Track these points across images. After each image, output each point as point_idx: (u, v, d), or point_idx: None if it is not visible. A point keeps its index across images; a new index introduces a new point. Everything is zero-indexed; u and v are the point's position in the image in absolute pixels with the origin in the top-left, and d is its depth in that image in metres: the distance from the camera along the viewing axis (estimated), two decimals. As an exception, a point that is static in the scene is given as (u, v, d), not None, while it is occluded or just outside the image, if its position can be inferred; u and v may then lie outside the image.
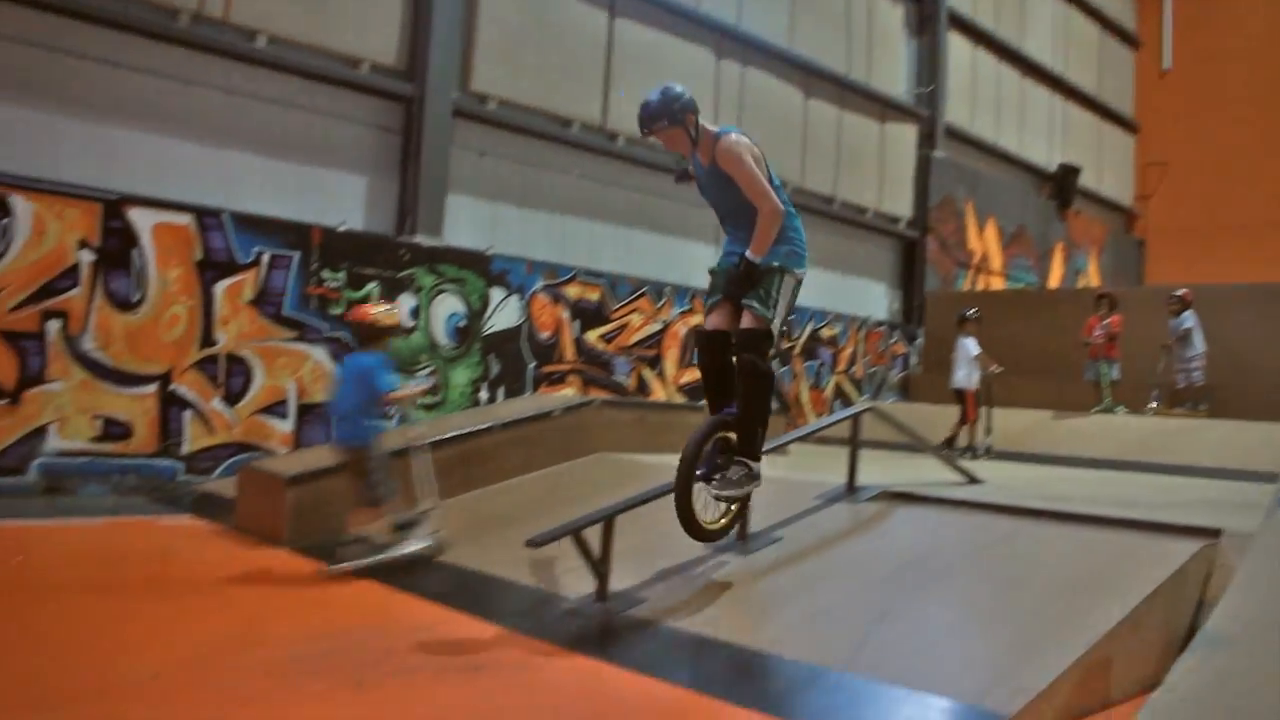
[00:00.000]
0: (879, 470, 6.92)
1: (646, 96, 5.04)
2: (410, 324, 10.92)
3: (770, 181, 5.01)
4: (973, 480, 7.30)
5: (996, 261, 21.15)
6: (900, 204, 18.40)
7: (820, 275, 16.38)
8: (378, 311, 6.63)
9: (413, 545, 6.31)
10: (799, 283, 5.11)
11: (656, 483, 5.44)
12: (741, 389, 5.02)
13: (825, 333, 16.48)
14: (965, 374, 11.51)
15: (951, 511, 6.06)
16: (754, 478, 5.03)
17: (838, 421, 6.98)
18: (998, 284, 20.92)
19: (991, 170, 21.22)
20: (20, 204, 8.59)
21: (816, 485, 6.63)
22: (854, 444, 6.58)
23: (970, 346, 11.62)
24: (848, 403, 16.62)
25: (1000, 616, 4.55)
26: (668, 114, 5.00)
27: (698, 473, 4.92)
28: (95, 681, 3.86)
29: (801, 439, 7.26)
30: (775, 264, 5.00)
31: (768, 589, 5.18)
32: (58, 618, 4.92)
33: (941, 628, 4.61)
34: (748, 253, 4.94)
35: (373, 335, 6.53)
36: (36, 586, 5.78)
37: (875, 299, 18.33)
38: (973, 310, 12.04)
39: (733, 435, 5.08)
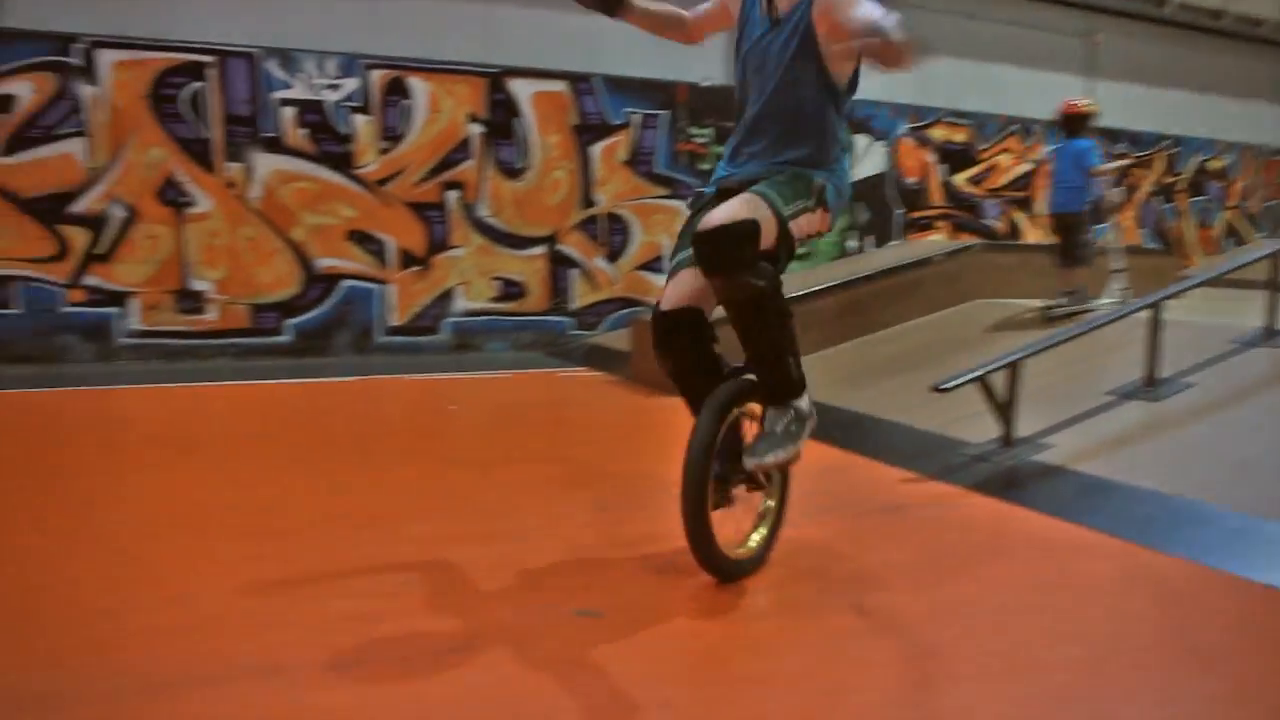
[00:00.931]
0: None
1: None
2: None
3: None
4: None
5: None
6: (1307, 11, 16.18)
7: (1204, 100, 14.77)
8: (1082, 103, 8.05)
9: (1106, 299, 7.92)
10: (817, 236, 3.40)
11: (1046, 329, 5.28)
12: (743, 326, 3.20)
13: (1213, 165, 14.98)
14: None
15: (1397, 356, 5.50)
16: (807, 416, 3.30)
17: (1255, 261, 6.41)
18: None
19: None
20: (417, 85, 9.35)
21: (1228, 329, 6.19)
22: (1275, 284, 6.05)
23: None
24: (1240, 241, 15.17)
25: None
26: None
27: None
28: (562, 509, 4.34)
29: (1207, 283, 6.74)
30: (818, 180, 3.27)
31: (1184, 437, 4.94)
32: (500, 456, 5.52)
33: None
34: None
35: (1078, 123, 7.93)
36: (478, 429, 6.50)
37: (1273, 124, 16.36)
38: None
39: (756, 405, 3.41)
